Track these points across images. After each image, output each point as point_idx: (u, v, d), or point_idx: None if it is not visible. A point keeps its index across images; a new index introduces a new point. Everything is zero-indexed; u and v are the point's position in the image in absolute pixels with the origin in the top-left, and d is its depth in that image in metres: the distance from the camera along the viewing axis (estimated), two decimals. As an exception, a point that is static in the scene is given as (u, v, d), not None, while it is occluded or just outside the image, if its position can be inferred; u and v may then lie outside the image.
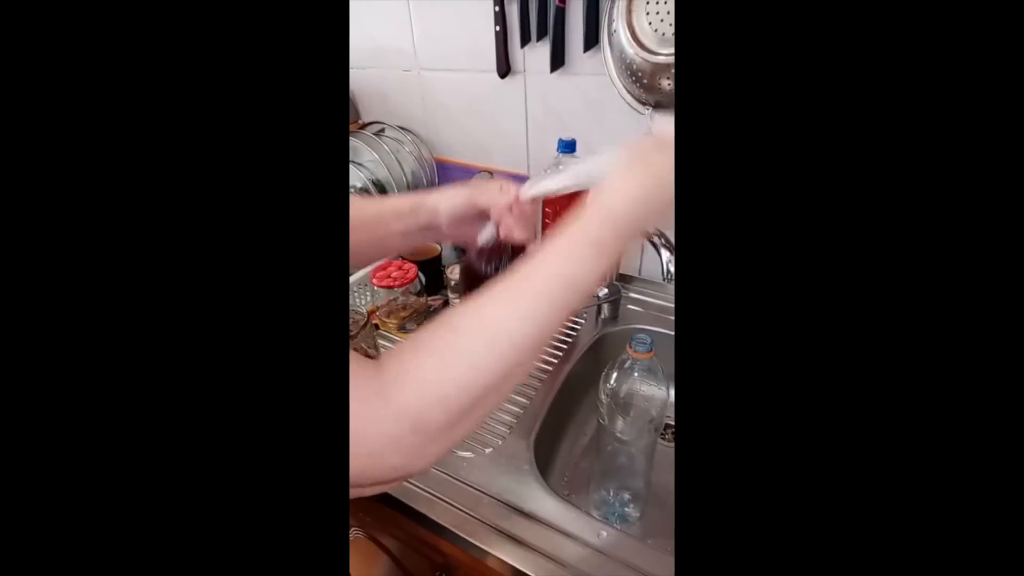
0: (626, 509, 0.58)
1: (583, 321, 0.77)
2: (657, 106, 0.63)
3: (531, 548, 0.46)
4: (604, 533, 0.47)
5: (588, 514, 0.51)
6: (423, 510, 0.49)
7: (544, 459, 0.62)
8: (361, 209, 0.45)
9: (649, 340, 0.46)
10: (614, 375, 0.49)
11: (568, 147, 0.64)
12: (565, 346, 0.72)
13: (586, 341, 0.73)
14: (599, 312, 0.77)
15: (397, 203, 0.46)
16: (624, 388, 0.50)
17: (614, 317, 0.76)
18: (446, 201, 0.44)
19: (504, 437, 0.58)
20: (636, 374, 0.49)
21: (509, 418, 0.60)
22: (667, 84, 0.58)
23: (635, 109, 0.65)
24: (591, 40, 0.69)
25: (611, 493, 0.58)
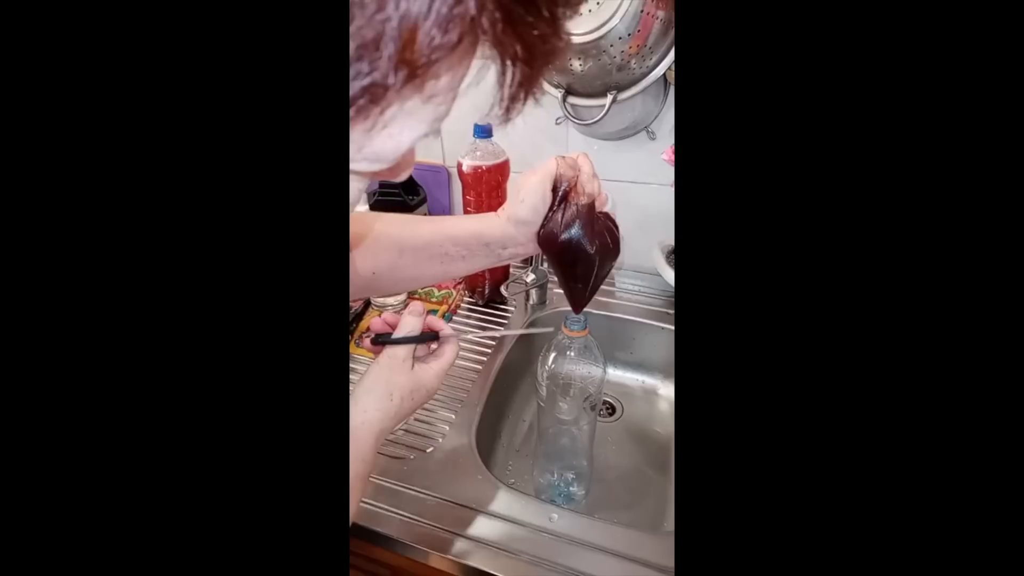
0: (571, 489, 0.59)
1: (512, 309, 0.76)
2: (569, 89, 0.64)
3: (483, 543, 0.45)
4: (555, 516, 0.47)
5: (537, 499, 0.51)
6: (364, 523, 0.46)
7: (486, 451, 0.61)
8: (415, 233, 0.41)
9: (583, 318, 0.47)
10: (551, 356, 0.49)
11: (484, 132, 0.62)
12: (497, 334, 0.71)
13: (517, 327, 0.73)
14: (527, 298, 0.76)
15: (458, 236, 0.41)
16: (563, 369, 0.50)
17: (543, 302, 0.77)
18: (523, 222, 0.39)
19: (444, 435, 0.55)
20: (572, 353, 0.49)
21: (448, 414, 0.58)
22: (578, 65, 0.58)
23: (547, 92, 0.65)
24: (498, 22, 0.68)
25: (555, 475, 0.59)
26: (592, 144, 0.75)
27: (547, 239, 0.38)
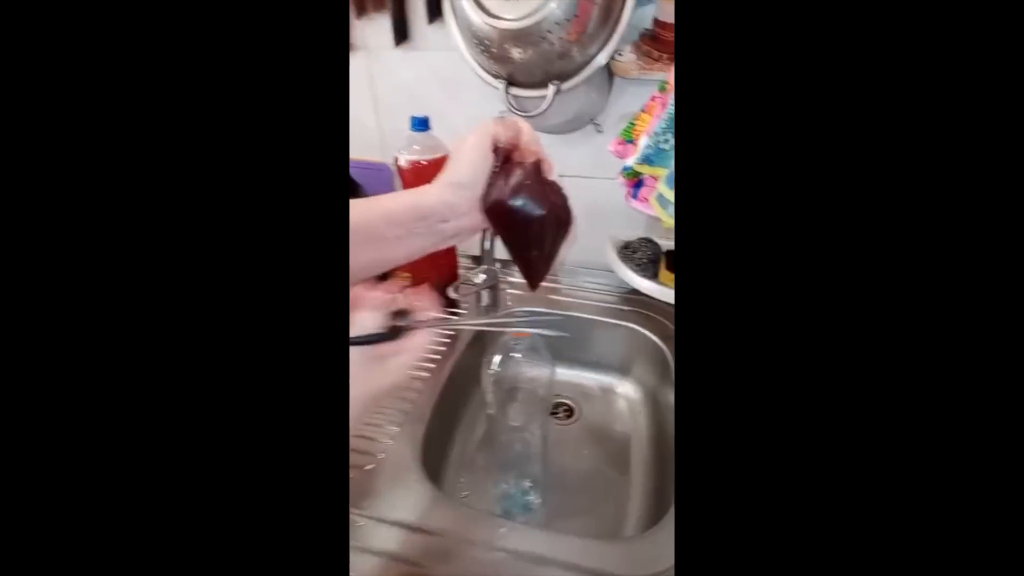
0: (528, 498, 0.56)
1: (464, 312, 0.73)
2: (510, 79, 0.61)
3: (428, 567, 0.41)
4: (504, 530, 0.44)
5: (489, 513, 0.47)
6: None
7: (436, 463, 0.57)
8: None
9: (527, 317, 0.44)
10: (497, 360, 0.46)
11: (421, 124, 0.59)
12: (448, 340, 0.67)
13: (468, 332, 0.69)
14: (479, 300, 0.73)
15: (392, 212, 0.35)
16: (509, 372, 0.47)
17: (495, 304, 0.74)
18: (463, 185, 0.34)
19: (386, 450, 0.51)
20: (519, 355, 0.46)
21: (392, 426, 0.54)
22: (517, 53, 0.56)
23: (489, 83, 0.62)
24: (434, 10, 0.65)
25: (511, 484, 0.55)
26: (541, 138, 0.73)
27: (493, 204, 0.34)
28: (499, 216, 0.35)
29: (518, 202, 0.34)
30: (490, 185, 0.34)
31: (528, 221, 0.35)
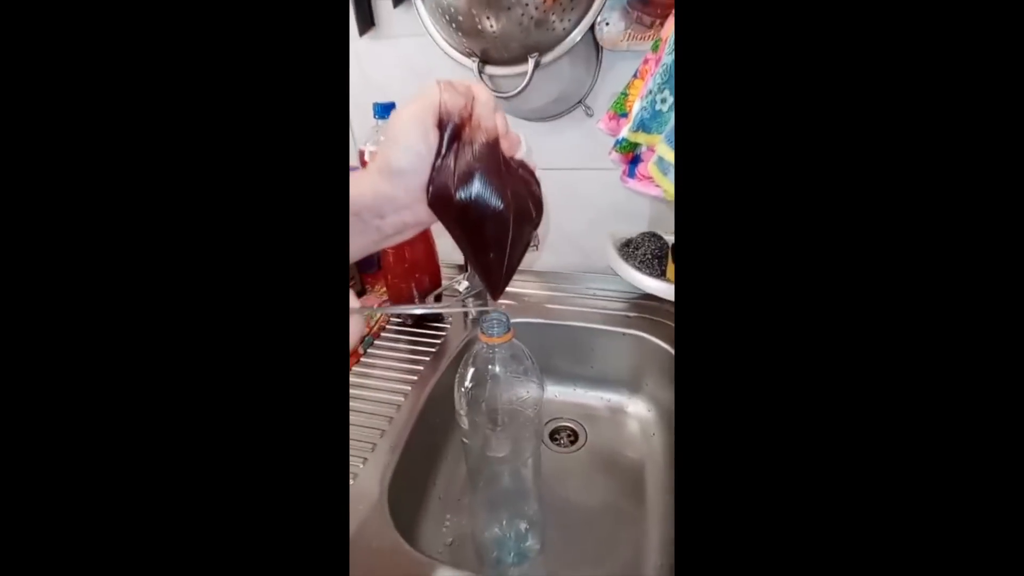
0: (524, 544, 0.46)
1: (449, 325, 0.65)
2: (485, 57, 0.54)
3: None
4: (488, 592, 0.34)
5: (474, 570, 0.38)
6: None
7: (411, 504, 0.48)
8: None
9: (504, 318, 0.35)
10: (470, 374, 0.37)
11: (385, 111, 0.52)
12: (428, 357, 0.59)
13: (455, 347, 0.61)
14: (466, 312, 0.65)
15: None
16: (486, 390, 0.38)
17: (482, 314, 0.65)
18: (400, 172, 0.27)
19: (349, 488, 0.42)
20: (497, 367, 0.37)
21: (355, 461, 0.45)
22: (489, 24, 0.49)
23: (462, 64, 0.55)
24: (399, -9, 0.59)
25: (504, 528, 0.46)
26: (525, 127, 0.66)
27: (439, 194, 0.27)
28: (446, 211, 0.27)
29: (469, 194, 0.26)
30: (436, 170, 0.27)
31: (482, 217, 0.27)
